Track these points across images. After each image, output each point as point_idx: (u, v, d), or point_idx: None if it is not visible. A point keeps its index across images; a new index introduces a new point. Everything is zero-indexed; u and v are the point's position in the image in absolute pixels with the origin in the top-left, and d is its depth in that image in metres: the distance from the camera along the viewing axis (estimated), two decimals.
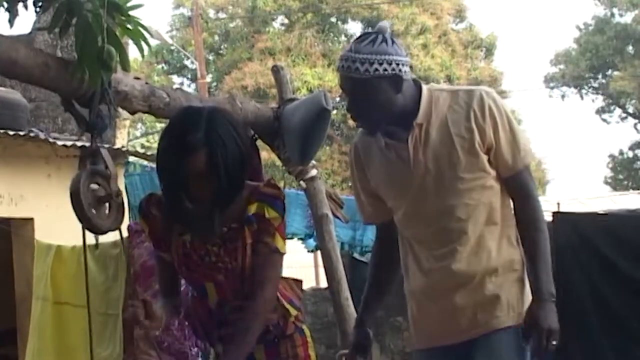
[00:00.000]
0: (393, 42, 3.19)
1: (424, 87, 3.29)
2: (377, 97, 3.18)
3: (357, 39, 3.22)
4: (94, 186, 3.45)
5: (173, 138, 2.97)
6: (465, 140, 3.20)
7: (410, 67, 3.31)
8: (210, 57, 29.36)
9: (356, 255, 9.50)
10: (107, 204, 3.44)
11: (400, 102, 3.21)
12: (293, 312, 3.27)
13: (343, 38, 29.15)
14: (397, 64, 3.17)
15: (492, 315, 3.20)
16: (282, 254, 3.13)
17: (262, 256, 3.09)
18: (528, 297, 3.25)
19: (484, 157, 3.22)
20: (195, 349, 5.35)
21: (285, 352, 3.24)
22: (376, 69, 3.14)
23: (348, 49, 3.20)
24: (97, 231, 3.43)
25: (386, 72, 3.15)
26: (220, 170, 2.94)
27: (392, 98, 3.19)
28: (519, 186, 3.27)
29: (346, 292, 4.84)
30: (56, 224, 6.81)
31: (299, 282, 3.36)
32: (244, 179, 3.07)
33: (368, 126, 3.32)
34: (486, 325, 3.21)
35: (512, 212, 3.31)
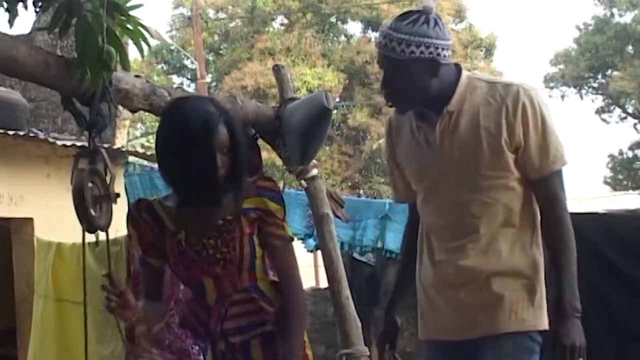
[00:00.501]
0: (436, 24, 3.09)
1: (464, 74, 3.20)
2: (411, 79, 3.11)
3: (400, 16, 3.13)
4: (92, 186, 3.45)
5: (191, 118, 3.00)
6: (492, 136, 3.12)
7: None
8: (210, 57, 29.37)
9: (356, 255, 9.49)
10: (99, 205, 3.44)
11: (434, 87, 3.13)
12: None
13: (343, 38, 29.17)
14: (436, 48, 3.08)
15: (492, 317, 3.16)
16: (293, 240, 3.27)
17: (281, 249, 3.21)
18: (540, 305, 3.19)
19: (510, 156, 3.14)
20: (197, 347, 5.34)
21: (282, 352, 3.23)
22: (412, 51, 3.06)
23: (388, 26, 3.13)
24: (94, 231, 3.43)
25: (422, 55, 3.07)
26: (239, 143, 3.06)
27: (426, 82, 3.12)
28: (544, 192, 3.18)
29: (346, 292, 4.83)
30: (56, 223, 6.82)
31: None
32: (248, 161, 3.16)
33: (398, 105, 3.26)
34: (487, 327, 3.17)
35: (535, 217, 3.22)
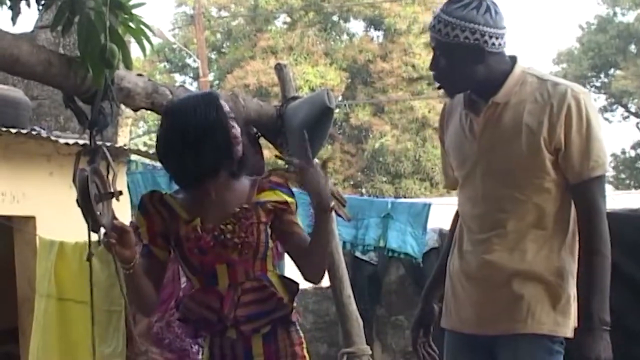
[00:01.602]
0: (487, 10, 3.06)
1: (518, 67, 3.15)
2: (454, 63, 3.09)
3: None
4: (92, 184, 3.46)
5: (198, 98, 3.18)
6: (531, 134, 3.07)
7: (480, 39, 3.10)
8: (213, 56, 29.39)
9: (358, 254, 9.50)
10: (101, 203, 3.44)
11: (480, 74, 3.10)
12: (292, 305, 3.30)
13: (345, 37, 29.17)
14: (482, 35, 3.04)
15: (509, 316, 3.13)
16: None
17: (302, 235, 3.28)
18: (564, 312, 3.12)
19: (547, 157, 3.08)
20: (196, 346, 5.34)
21: (283, 349, 3.24)
22: (457, 35, 3.04)
23: (441, 8, 3.12)
24: (97, 229, 3.44)
25: (467, 41, 3.04)
26: (240, 121, 3.22)
27: (471, 68, 3.09)
28: (582, 197, 3.09)
29: (348, 291, 4.84)
30: (58, 221, 6.82)
31: (295, 283, 3.37)
32: None
33: (445, 88, 3.23)
34: (503, 325, 3.14)
35: (570, 222, 3.15)
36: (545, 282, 3.12)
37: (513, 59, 3.18)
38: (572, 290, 3.15)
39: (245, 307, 3.17)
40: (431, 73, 3.26)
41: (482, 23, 3.05)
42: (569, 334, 3.13)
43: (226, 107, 3.18)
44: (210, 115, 3.11)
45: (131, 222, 5.68)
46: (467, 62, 3.09)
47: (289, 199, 3.27)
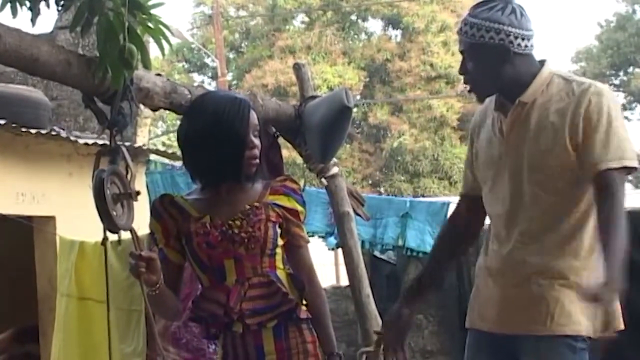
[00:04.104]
0: (512, 12, 3.11)
1: (546, 69, 3.18)
2: (481, 63, 3.14)
3: (481, 2, 3.17)
4: (112, 185, 3.47)
5: (228, 102, 3.19)
6: (556, 132, 3.09)
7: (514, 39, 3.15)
8: (231, 55, 29.44)
9: (377, 253, 9.50)
10: (120, 203, 3.46)
11: (507, 75, 3.14)
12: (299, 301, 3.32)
13: (363, 36, 29.17)
14: (507, 35, 3.09)
15: (529, 316, 3.12)
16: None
17: (305, 249, 3.37)
18: (584, 312, 3.07)
19: (572, 155, 3.07)
20: (213, 346, 5.36)
21: (295, 346, 3.26)
22: (482, 36, 3.10)
23: (468, 12, 3.19)
24: (116, 230, 3.45)
25: (492, 41, 3.10)
26: (261, 127, 3.24)
27: (497, 68, 3.13)
28: (600, 186, 3.02)
29: (367, 290, 4.84)
30: (78, 222, 6.83)
31: (302, 282, 3.39)
32: None
33: (474, 91, 3.28)
34: (524, 326, 3.13)
35: (591, 222, 3.11)
36: (565, 283, 3.11)
37: (542, 62, 3.20)
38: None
39: (251, 301, 3.20)
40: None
41: (506, 23, 3.09)
42: (592, 332, 3.11)
43: (254, 120, 3.21)
44: (234, 126, 3.16)
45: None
46: (493, 63, 3.13)
47: (300, 208, 3.32)
